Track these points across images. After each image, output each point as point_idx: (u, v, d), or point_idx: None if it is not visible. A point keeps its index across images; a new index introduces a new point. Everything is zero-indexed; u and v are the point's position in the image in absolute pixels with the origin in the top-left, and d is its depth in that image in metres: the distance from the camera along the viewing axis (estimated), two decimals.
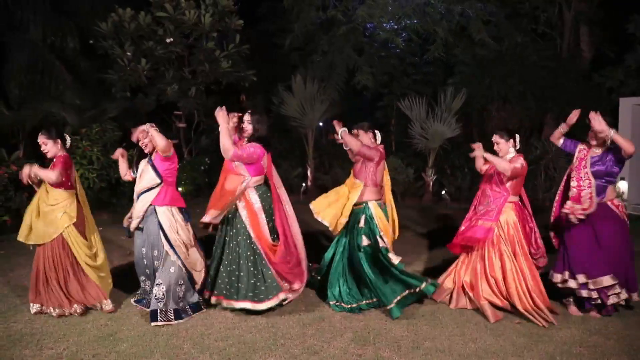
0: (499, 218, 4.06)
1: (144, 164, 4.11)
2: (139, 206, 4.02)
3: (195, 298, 4.12)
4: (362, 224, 4.13)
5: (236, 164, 4.03)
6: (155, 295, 3.87)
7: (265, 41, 12.77)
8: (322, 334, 3.70)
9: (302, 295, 4.49)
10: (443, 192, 10.04)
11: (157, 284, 3.89)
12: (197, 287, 4.14)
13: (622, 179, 8.18)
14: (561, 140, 4.20)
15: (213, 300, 4.11)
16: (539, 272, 4.14)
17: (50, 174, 3.91)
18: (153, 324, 3.82)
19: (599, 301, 3.90)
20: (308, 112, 10.67)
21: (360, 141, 4.20)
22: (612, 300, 3.87)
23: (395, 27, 11.08)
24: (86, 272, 4.05)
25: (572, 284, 3.95)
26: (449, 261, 4.69)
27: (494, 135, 4.20)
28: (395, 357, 3.36)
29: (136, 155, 4.27)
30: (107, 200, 8.55)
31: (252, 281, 3.97)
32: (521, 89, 10.61)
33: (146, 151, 4.11)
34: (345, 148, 4.38)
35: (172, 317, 3.87)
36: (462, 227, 4.31)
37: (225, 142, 3.79)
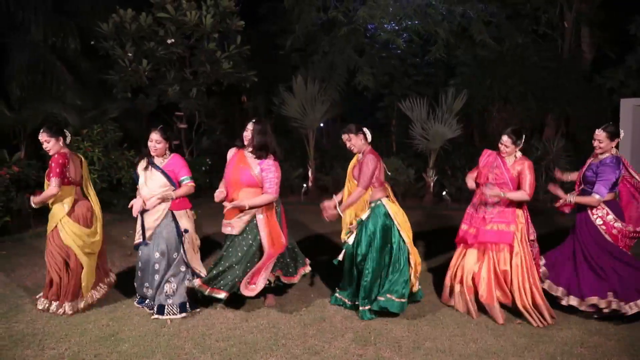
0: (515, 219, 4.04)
1: (145, 170, 4.04)
2: (154, 215, 3.99)
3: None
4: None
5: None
6: (166, 292, 3.98)
7: (266, 42, 12.78)
8: (323, 334, 3.70)
9: (303, 295, 4.50)
10: (444, 193, 10.04)
11: (167, 281, 3.99)
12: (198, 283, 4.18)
13: None
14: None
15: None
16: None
17: (51, 191, 3.89)
18: (159, 317, 3.92)
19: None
20: (309, 113, 10.68)
21: (368, 173, 3.96)
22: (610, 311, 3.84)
23: (396, 28, 11.07)
24: (81, 260, 4.03)
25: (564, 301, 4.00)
26: (450, 262, 4.68)
27: (504, 136, 4.01)
28: (396, 357, 3.36)
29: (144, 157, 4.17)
30: (108, 200, 8.55)
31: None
32: (522, 89, 10.61)
33: (154, 154, 4.05)
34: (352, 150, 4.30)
35: (177, 311, 3.98)
36: (466, 227, 4.21)
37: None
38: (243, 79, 10.26)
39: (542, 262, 4.23)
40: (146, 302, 4.17)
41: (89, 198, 4.23)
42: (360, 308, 4.01)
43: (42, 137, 3.99)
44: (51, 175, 3.90)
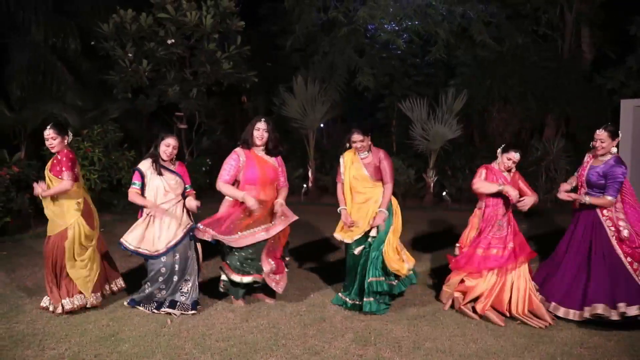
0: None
1: (156, 175, 4.00)
2: (182, 227, 4.03)
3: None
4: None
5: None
6: (181, 290, 4.09)
7: (266, 42, 12.78)
8: (323, 335, 3.71)
9: (303, 295, 4.51)
10: (444, 193, 10.05)
11: (185, 280, 4.09)
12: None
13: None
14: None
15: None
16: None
17: (64, 185, 3.88)
18: (170, 311, 3.98)
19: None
20: (309, 113, 10.69)
21: (391, 167, 4.18)
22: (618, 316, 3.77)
23: (397, 28, 11.07)
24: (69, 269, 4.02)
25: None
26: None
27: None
28: (396, 357, 3.36)
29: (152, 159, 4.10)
30: (109, 201, 8.57)
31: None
32: (522, 89, 10.62)
33: (167, 159, 4.03)
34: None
35: (190, 308, 4.04)
36: (495, 250, 4.04)
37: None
38: (243, 80, 10.26)
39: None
40: (141, 303, 4.13)
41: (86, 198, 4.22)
42: (365, 300, 4.05)
43: (50, 133, 3.95)
44: (63, 169, 3.89)
